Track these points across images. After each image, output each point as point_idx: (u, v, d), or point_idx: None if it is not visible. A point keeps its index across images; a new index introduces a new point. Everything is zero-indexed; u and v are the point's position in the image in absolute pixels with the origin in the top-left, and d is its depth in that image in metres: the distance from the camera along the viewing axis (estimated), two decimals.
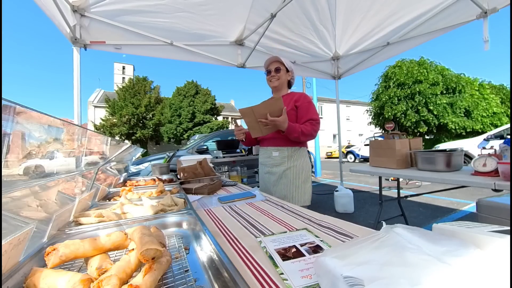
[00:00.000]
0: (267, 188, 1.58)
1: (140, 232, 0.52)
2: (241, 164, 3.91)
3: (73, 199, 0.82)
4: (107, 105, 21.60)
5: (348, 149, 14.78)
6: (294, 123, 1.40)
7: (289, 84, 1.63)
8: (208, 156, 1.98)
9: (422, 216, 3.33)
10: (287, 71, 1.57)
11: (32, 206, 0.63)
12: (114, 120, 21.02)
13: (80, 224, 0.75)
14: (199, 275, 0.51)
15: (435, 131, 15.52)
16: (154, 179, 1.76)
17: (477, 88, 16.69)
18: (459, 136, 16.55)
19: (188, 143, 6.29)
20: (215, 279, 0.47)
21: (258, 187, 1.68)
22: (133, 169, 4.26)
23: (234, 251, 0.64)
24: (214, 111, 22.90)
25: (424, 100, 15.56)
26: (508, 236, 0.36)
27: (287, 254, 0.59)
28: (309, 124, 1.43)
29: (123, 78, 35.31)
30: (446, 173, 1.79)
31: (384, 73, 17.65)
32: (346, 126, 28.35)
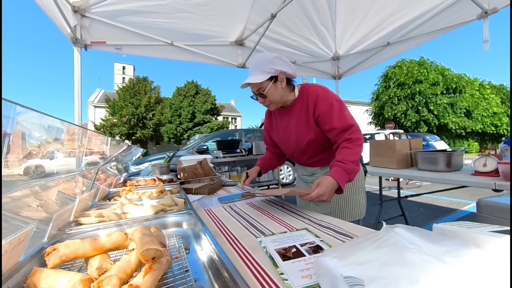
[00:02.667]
0: (308, 205, 1.27)
1: (140, 232, 0.52)
2: (241, 164, 3.91)
3: (73, 199, 0.82)
4: (107, 105, 21.62)
5: None
6: (341, 168, 0.93)
7: (290, 81, 1.13)
8: (208, 156, 1.98)
9: (422, 216, 3.33)
10: (275, 80, 1.05)
11: (33, 206, 0.63)
12: (114, 120, 21.04)
13: (80, 224, 0.75)
14: (199, 275, 0.51)
15: (435, 131, 15.52)
16: (154, 179, 1.76)
17: (477, 88, 16.70)
18: (459, 136, 16.58)
19: (188, 143, 6.29)
20: (215, 279, 0.47)
21: (259, 187, 1.66)
22: (133, 169, 4.27)
23: (234, 251, 0.64)
24: (214, 111, 22.91)
25: (424, 100, 15.56)
26: (508, 236, 0.36)
27: (287, 254, 0.59)
28: (348, 143, 0.99)
29: (123, 78, 35.33)
30: (446, 173, 1.79)
31: (384, 73, 17.64)
32: None
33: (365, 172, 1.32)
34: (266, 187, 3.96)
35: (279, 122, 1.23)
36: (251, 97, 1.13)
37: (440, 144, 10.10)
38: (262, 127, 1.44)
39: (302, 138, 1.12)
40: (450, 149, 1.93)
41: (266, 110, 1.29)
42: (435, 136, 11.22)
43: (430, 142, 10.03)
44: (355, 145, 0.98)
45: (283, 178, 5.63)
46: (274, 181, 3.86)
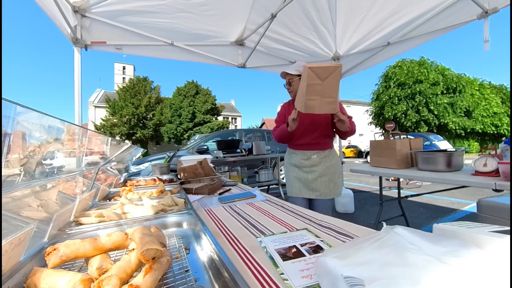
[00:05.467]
0: (302, 187, 1.61)
1: (141, 232, 0.52)
2: (242, 164, 3.91)
3: (74, 199, 0.82)
4: (107, 105, 21.63)
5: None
6: (345, 115, 1.45)
7: None
8: (208, 156, 1.98)
9: (423, 216, 3.33)
10: (300, 77, 1.52)
11: (33, 206, 0.63)
12: (115, 120, 21.05)
13: (81, 224, 0.75)
14: (199, 275, 0.51)
15: (435, 131, 15.51)
16: (154, 179, 1.76)
17: (477, 88, 16.70)
18: (459, 136, 16.57)
19: (188, 143, 6.29)
20: (216, 279, 0.47)
21: (259, 187, 1.67)
22: (133, 169, 4.27)
23: (234, 251, 0.64)
24: (215, 111, 22.92)
25: (424, 100, 15.55)
26: (508, 236, 0.36)
27: (287, 254, 0.59)
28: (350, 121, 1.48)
29: (124, 78, 35.37)
30: (447, 173, 1.78)
31: (384, 73, 17.64)
32: None
33: (342, 162, 1.75)
34: (267, 187, 3.96)
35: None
36: (284, 85, 1.65)
37: (443, 144, 10.02)
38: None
39: (318, 117, 1.53)
40: (451, 149, 1.93)
41: (285, 103, 1.75)
42: (438, 136, 11.16)
43: (433, 142, 9.99)
44: (352, 123, 1.51)
45: (283, 178, 5.63)
46: (275, 181, 3.86)
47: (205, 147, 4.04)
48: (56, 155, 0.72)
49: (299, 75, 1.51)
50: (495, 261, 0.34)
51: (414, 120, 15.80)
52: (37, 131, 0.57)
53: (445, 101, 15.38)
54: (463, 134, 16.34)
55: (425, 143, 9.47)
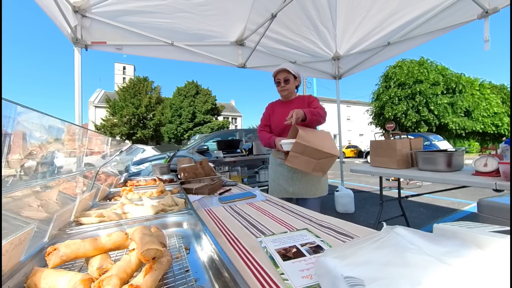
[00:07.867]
0: (286, 185, 1.61)
1: (141, 232, 0.52)
2: (242, 164, 3.91)
3: (74, 199, 0.82)
4: (107, 105, 21.66)
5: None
6: (308, 109, 1.48)
7: (297, 87, 1.73)
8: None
9: (423, 216, 3.33)
10: (295, 78, 1.64)
11: (33, 206, 0.63)
12: (115, 120, 21.08)
13: (81, 224, 0.75)
14: (199, 275, 0.51)
15: (435, 131, 15.49)
16: (154, 179, 1.76)
17: (477, 88, 16.66)
18: (459, 136, 16.54)
19: (188, 143, 6.29)
20: (216, 279, 0.47)
21: (259, 187, 1.67)
22: (133, 169, 4.27)
23: (234, 251, 0.64)
24: (215, 111, 22.94)
25: (424, 100, 15.52)
26: (509, 237, 0.36)
27: (287, 254, 0.59)
28: (319, 110, 1.55)
29: (124, 78, 35.43)
30: (447, 173, 1.78)
31: (384, 73, 17.62)
32: (346, 126, 28.33)
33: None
34: (267, 187, 3.96)
35: (280, 110, 1.71)
36: (274, 82, 1.68)
37: (443, 144, 10.01)
38: None
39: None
40: (451, 149, 1.92)
41: (269, 104, 1.82)
42: (438, 136, 11.14)
43: (433, 142, 9.98)
44: (321, 111, 1.51)
45: None
46: None
47: (205, 147, 4.04)
48: (57, 155, 0.72)
49: (295, 76, 1.62)
50: (496, 261, 0.34)
51: (414, 120, 15.77)
52: (37, 131, 0.57)
53: (445, 101, 15.35)
54: (463, 134, 16.32)
55: (425, 143, 9.46)
